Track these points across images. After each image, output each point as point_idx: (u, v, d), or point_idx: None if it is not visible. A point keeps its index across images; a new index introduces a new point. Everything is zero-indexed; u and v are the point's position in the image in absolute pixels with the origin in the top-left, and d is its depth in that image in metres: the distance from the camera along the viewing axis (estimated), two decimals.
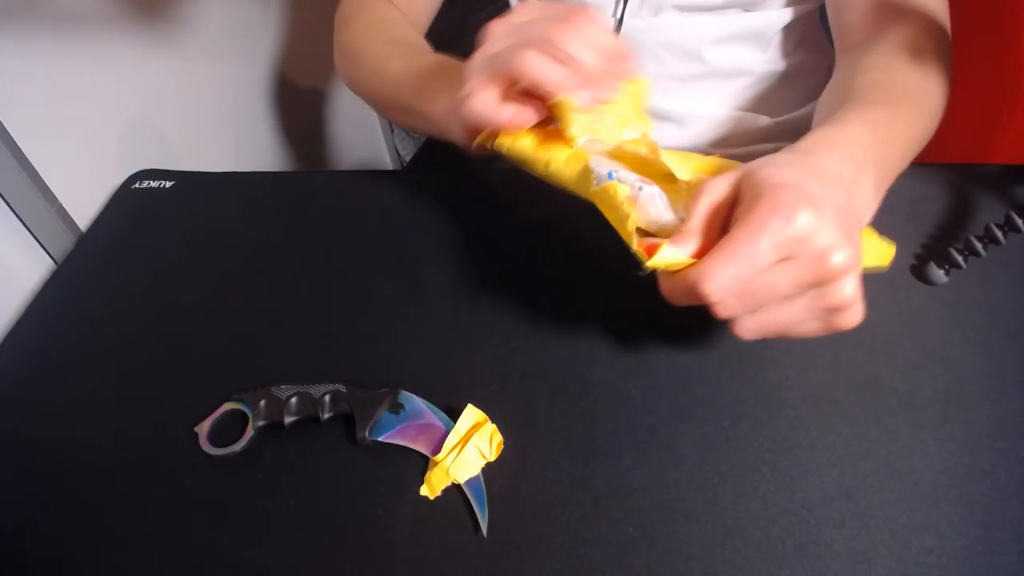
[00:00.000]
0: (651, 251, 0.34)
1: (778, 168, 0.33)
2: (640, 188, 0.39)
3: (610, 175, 0.39)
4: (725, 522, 0.39)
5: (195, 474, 0.44)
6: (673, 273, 0.34)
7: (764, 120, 0.69)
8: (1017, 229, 0.46)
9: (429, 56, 0.56)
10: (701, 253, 0.33)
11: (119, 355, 0.53)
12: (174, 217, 0.66)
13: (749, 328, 0.34)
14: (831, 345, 0.47)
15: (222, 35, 0.94)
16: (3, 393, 0.51)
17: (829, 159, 0.35)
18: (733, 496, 0.40)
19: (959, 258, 0.49)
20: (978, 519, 0.38)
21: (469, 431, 0.43)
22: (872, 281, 0.51)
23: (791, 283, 0.31)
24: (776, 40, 0.64)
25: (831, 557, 0.38)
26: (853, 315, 0.32)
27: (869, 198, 0.37)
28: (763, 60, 0.66)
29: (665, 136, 0.70)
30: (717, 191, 0.34)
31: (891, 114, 0.43)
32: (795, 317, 0.33)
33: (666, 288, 0.34)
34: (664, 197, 0.39)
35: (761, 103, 0.69)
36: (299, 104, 1.14)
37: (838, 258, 0.30)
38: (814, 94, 0.72)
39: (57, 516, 0.43)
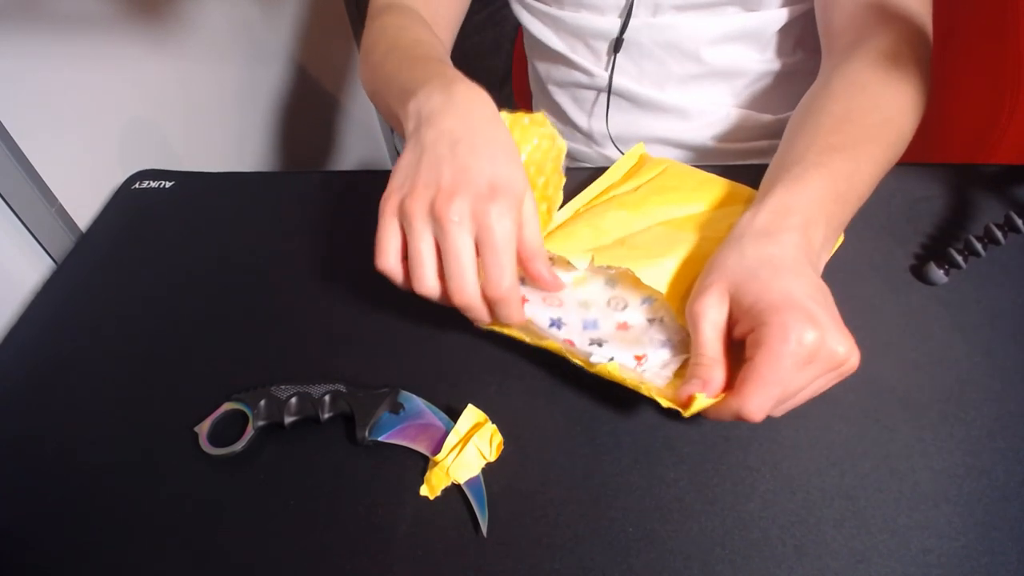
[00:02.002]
0: (686, 403, 0.37)
1: (759, 283, 0.37)
2: (644, 371, 0.41)
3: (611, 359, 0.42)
4: (725, 522, 0.39)
5: (195, 474, 0.44)
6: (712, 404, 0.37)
7: (766, 117, 0.69)
8: (1017, 229, 0.46)
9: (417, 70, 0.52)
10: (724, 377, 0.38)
11: (119, 355, 0.53)
12: (174, 217, 0.66)
13: (779, 413, 0.38)
14: None
15: (222, 35, 0.94)
16: (3, 393, 0.51)
17: (787, 242, 0.39)
18: (733, 496, 0.40)
19: (959, 258, 0.49)
20: (978, 519, 0.38)
21: (469, 431, 0.43)
22: (872, 281, 0.51)
23: (811, 378, 0.36)
24: (774, 40, 0.64)
25: (831, 557, 0.38)
26: (853, 368, 0.37)
27: (821, 253, 0.42)
28: (761, 60, 0.66)
29: (668, 129, 0.70)
30: (715, 316, 0.38)
31: (851, 159, 0.45)
32: (814, 393, 0.38)
33: (710, 415, 0.38)
34: (666, 349, 0.42)
35: (762, 101, 0.69)
36: (299, 104, 1.14)
37: (842, 349, 0.35)
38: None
39: (57, 516, 0.43)
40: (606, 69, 0.69)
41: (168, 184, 0.69)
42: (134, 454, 0.46)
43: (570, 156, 0.81)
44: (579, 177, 0.62)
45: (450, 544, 0.40)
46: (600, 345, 0.43)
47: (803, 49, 0.66)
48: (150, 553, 0.41)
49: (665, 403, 0.38)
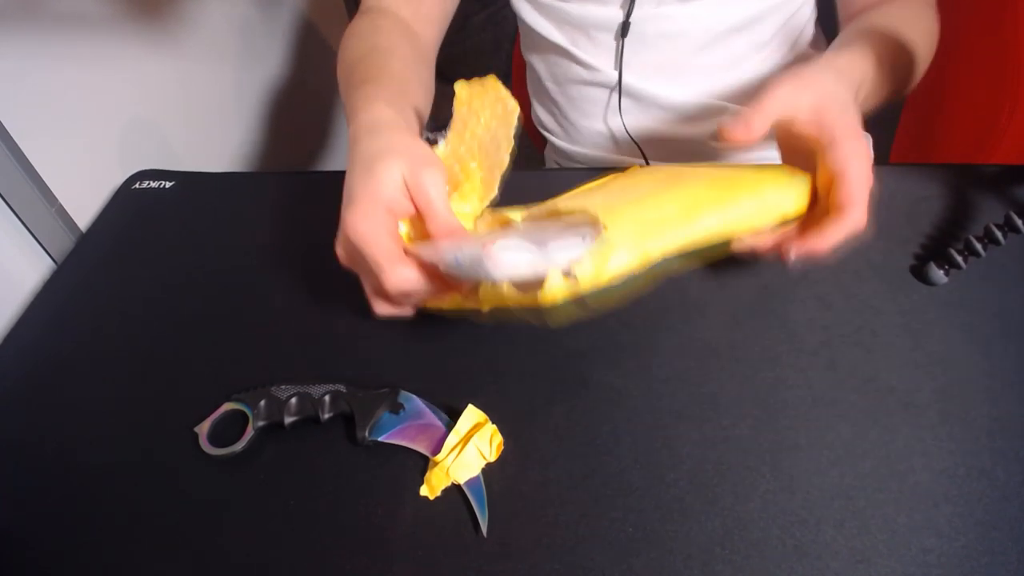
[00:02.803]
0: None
1: (842, 110, 0.44)
2: (546, 256, 0.38)
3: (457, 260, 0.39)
4: (725, 522, 0.39)
5: (195, 474, 0.44)
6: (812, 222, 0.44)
7: None
8: (1017, 229, 0.46)
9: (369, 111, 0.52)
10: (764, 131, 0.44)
11: (119, 355, 0.53)
12: (174, 217, 0.66)
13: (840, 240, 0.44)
14: (831, 345, 0.47)
15: (222, 35, 0.94)
16: (3, 393, 0.51)
17: (843, 84, 0.47)
18: (733, 496, 0.40)
19: (959, 258, 0.49)
20: (978, 519, 0.38)
21: (469, 431, 0.43)
22: (872, 281, 0.51)
23: (865, 195, 0.43)
24: (776, 34, 0.65)
25: (831, 557, 0.38)
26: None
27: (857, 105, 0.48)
28: (762, 58, 0.66)
29: (670, 128, 0.70)
30: (785, 98, 0.45)
31: (888, 36, 0.53)
32: (859, 226, 0.43)
33: (821, 245, 0.43)
34: (579, 239, 0.39)
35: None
36: (299, 104, 1.14)
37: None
38: None
39: (57, 516, 0.43)
40: (613, 67, 0.69)
41: (168, 184, 0.69)
42: (134, 454, 0.46)
43: (568, 157, 0.81)
44: (576, 177, 0.61)
45: (450, 544, 0.40)
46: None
47: (803, 46, 0.66)
48: (150, 553, 0.41)
49: (513, 300, 0.37)
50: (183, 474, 0.45)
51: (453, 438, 0.43)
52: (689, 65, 0.66)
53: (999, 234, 0.46)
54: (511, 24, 0.82)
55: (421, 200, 0.43)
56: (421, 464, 0.44)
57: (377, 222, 0.42)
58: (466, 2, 0.68)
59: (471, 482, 0.42)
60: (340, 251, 0.45)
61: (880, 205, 0.55)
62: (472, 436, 0.43)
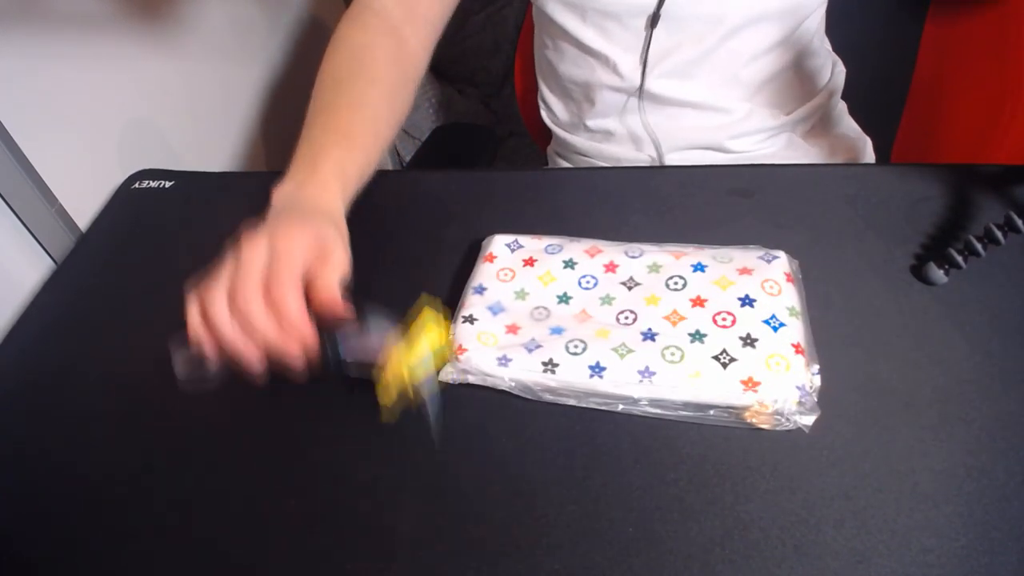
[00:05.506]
0: None
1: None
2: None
3: None
4: (725, 522, 0.39)
5: (195, 474, 0.44)
6: None
7: (778, 115, 0.70)
8: (1017, 229, 0.46)
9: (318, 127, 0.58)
10: None
11: (119, 355, 0.53)
12: (174, 217, 0.66)
13: None
14: (831, 345, 0.47)
15: (223, 35, 0.94)
16: (3, 393, 0.51)
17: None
18: (733, 496, 0.40)
19: (959, 258, 0.49)
20: (977, 519, 0.38)
21: (421, 328, 0.43)
22: (872, 281, 0.51)
23: None
24: (797, 34, 0.65)
25: (831, 557, 0.38)
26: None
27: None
28: (774, 57, 0.66)
29: (683, 126, 0.70)
30: None
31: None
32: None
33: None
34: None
35: (776, 94, 0.69)
36: (300, 104, 1.14)
37: None
38: (816, 89, 0.72)
39: (57, 516, 0.43)
40: (639, 59, 0.67)
41: (168, 184, 0.69)
42: (134, 455, 0.46)
43: (578, 152, 0.80)
44: (580, 177, 0.62)
45: (450, 544, 0.40)
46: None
47: (819, 39, 0.67)
48: (150, 553, 0.41)
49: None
50: (183, 474, 0.45)
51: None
52: (722, 49, 0.65)
53: (999, 234, 0.46)
54: (511, 24, 0.82)
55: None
56: (422, 463, 0.43)
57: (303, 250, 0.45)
58: (466, 2, 0.68)
59: (427, 383, 0.42)
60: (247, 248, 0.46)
61: (880, 205, 0.55)
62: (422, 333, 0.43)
